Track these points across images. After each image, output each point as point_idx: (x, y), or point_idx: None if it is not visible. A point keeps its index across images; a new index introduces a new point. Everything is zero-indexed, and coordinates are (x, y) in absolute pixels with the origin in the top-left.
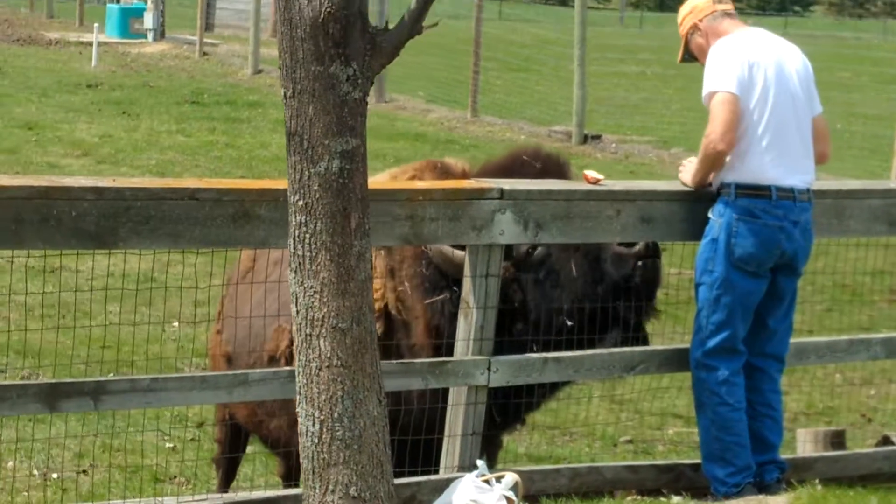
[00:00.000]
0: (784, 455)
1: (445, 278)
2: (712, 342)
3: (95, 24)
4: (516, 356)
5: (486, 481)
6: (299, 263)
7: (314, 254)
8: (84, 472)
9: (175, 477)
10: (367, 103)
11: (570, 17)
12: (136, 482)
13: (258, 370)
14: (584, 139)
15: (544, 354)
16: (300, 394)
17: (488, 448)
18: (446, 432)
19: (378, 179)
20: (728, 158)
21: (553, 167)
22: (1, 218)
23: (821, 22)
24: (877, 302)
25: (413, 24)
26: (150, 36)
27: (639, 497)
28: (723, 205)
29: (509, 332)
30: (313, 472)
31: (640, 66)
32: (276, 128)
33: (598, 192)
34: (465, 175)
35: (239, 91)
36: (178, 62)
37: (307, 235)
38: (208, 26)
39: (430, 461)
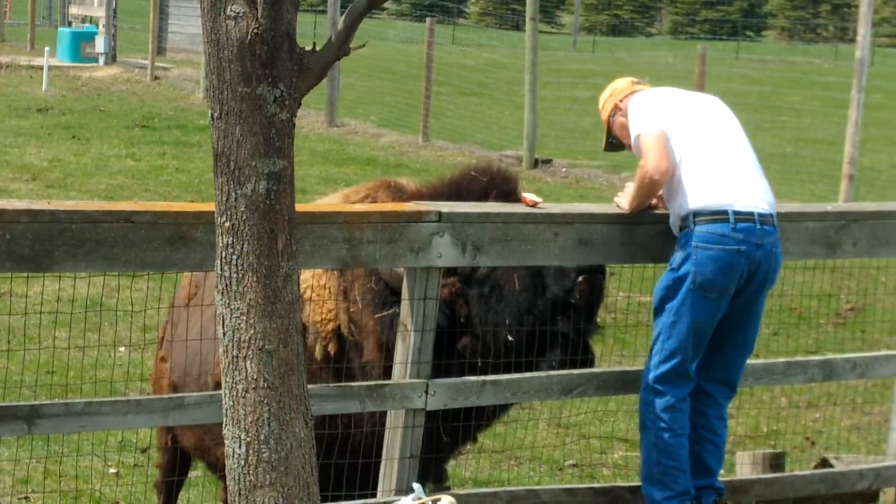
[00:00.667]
0: (723, 478)
1: (395, 294)
2: (664, 367)
3: (46, 48)
4: (453, 379)
5: None
6: (226, 285)
7: (241, 275)
8: (27, 498)
9: (118, 502)
10: (294, 125)
11: (523, 41)
12: None
13: (194, 394)
14: (535, 163)
15: (482, 378)
16: (227, 416)
17: (437, 468)
18: (384, 455)
19: (330, 200)
20: (683, 187)
21: (500, 182)
22: None
23: (773, 46)
24: (822, 325)
25: (340, 46)
26: (102, 60)
27: None
28: (683, 235)
29: (455, 350)
30: (239, 495)
31: (592, 90)
32: None
33: (537, 216)
34: (419, 195)
35: (190, 115)
36: (130, 86)
37: (234, 257)
38: (160, 50)
39: (367, 485)
